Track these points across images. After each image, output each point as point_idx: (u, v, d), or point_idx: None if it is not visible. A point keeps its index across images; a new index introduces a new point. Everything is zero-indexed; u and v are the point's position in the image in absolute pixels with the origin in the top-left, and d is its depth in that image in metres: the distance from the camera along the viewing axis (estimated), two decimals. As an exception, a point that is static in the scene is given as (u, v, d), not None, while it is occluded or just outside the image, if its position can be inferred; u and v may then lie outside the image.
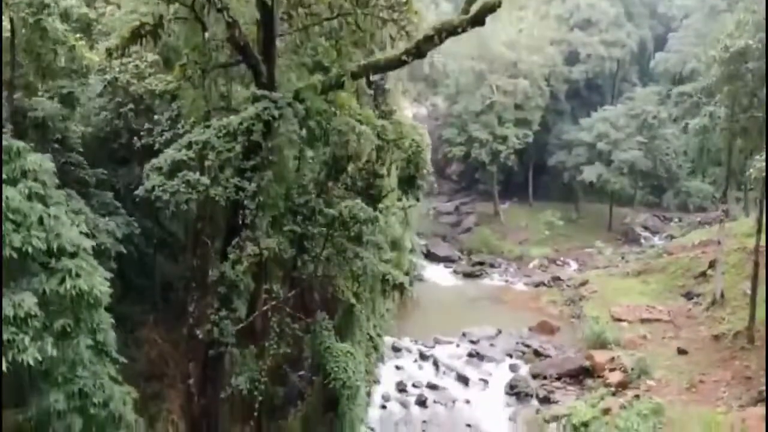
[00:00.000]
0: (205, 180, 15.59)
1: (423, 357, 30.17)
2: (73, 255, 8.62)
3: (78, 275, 8.42)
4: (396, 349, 30.67)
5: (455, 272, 46.39)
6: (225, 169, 16.30)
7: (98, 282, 8.75)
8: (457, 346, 31.44)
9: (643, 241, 53.82)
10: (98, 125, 20.39)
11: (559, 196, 60.17)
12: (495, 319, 35.14)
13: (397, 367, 29.07)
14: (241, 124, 15.58)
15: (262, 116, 15.33)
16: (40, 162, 9.87)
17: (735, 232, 39.27)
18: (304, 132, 17.66)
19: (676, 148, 56.92)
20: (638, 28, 57.29)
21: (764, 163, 20.49)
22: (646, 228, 56.21)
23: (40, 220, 8.82)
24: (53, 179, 10.77)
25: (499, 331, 33.20)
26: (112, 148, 20.67)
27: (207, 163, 16.03)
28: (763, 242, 26.26)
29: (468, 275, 45.62)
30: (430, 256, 48.19)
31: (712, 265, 35.07)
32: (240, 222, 16.14)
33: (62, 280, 8.42)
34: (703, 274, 35.35)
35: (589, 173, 51.44)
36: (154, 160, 15.47)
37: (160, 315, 21.77)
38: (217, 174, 16.04)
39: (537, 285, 42.87)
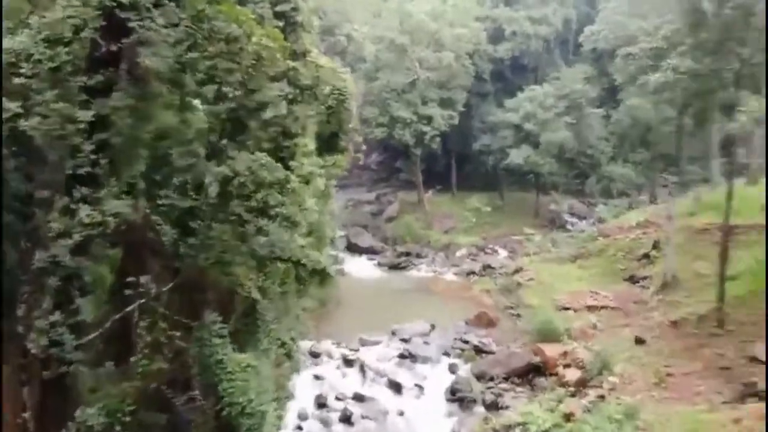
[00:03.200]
0: (13, 105, 9.90)
1: (347, 362, 25.27)
2: None
3: None
4: (314, 355, 25.61)
5: (379, 264, 41.89)
6: (50, 90, 10.65)
7: None
8: (387, 346, 26.84)
9: (570, 226, 51.90)
10: None
11: (482, 185, 57.59)
12: (427, 313, 30.93)
13: (317, 377, 24.02)
14: (71, 17, 10.02)
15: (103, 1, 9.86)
16: None
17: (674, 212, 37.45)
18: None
19: (598, 133, 55.67)
20: (562, 5, 55.28)
21: (746, 117, 17.32)
22: (572, 214, 54.45)
23: None
24: None
25: (433, 327, 28.93)
26: None
27: (17, 80, 10.35)
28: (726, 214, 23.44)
29: (393, 267, 41.25)
30: (352, 248, 43.52)
31: (656, 246, 32.70)
32: (71, 174, 10.58)
33: None
34: (647, 255, 32.83)
35: (517, 156, 48.57)
36: None
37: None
38: (36, 98, 10.39)
39: (468, 274, 39.21)
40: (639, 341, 24.46)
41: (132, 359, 14.21)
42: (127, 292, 13.83)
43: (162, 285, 15.80)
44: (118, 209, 10.98)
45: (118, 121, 11.40)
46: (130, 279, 13.75)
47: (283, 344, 22.22)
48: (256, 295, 16.09)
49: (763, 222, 28.05)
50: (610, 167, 58.90)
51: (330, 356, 25.77)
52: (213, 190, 15.32)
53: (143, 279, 13.74)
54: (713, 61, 22.45)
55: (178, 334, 15.12)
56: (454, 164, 56.74)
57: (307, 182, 18.58)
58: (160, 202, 16.11)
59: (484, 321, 29.55)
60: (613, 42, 44.68)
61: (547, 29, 53.42)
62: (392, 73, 46.31)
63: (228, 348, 14.41)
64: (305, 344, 26.05)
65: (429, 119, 46.67)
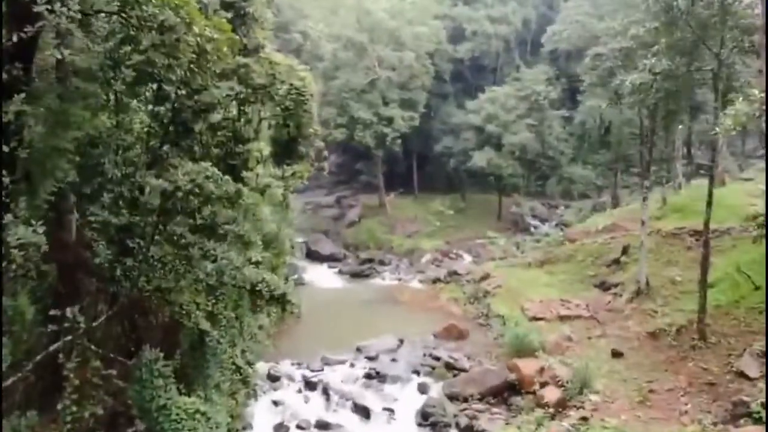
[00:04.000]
0: None
1: (309, 385, 23.28)
2: None
3: None
4: (273, 378, 23.50)
5: (341, 272, 39.98)
6: None
7: None
8: (352, 365, 24.93)
9: (533, 229, 51.30)
10: None
11: (443, 187, 56.78)
12: (393, 326, 29.26)
13: (276, 403, 21.94)
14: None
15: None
16: None
17: (640, 216, 36.88)
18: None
19: (558, 134, 55.29)
20: (522, 5, 54.65)
21: (735, 114, 16.25)
22: (534, 216, 53.79)
23: None
24: None
25: (401, 342, 27.20)
26: None
27: None
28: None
29: (356, 275, 39.42)
30: (312, 255, 41.48)
31: (625, 251, 31.91)
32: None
33: None
34: (617, 261, 31.99)
35: (480, 158, 47.55)
36: None
37: None
38: None
39: (434, 281, 37.72)
40: (616, 354, 23.41)
41: (59, 406, 12.01)
42: (51, 327, 11.65)
43: (98, 314, 13.66)
44: (26, 238, 8.78)
45: (27, 128, 9.23)
46: (53, 312, 11.56)
47: (238, 369, 20.15)
48: (204, 325, 14.02)
49: (736, 226, 27.61)
50: (570, 168, 58.81)
51: (290, 379, 23.73)
52: (153, 204, 13.25)
53: (73, 310, 11.53)
54: (688, 62, 21.57)
55: (114, 372, 12.99)
56: (416, 166, 55.47)
57: (262, 192, 16.63)
58: (91, 218, 14.01)
59: (454, 333, 28.04)
60: (576, 42, 44.08)
61: (507, 29, 52.68)
62: (351, 72, 44.53)
63: (172, 390, 12.34)
64: (263, 366, 23.99)
65: (390, 120, 45.15)
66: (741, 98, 16.71)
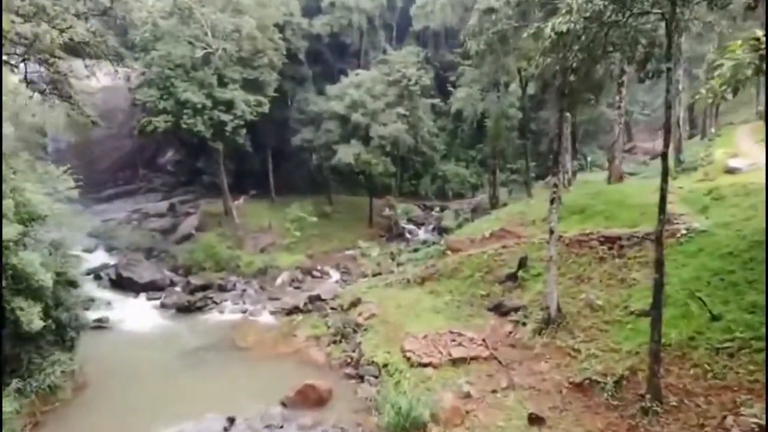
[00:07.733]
0: None
1: None
2: None
3: None
4: None
5: (164, 306, 30.11)
6: None
7: None
8: (150, 475, 15.95)
9: (408, 235, 44.79)
10: None
11: (306, 187, 48.64)
12: (225, 391, 20.63)
13: None
14: None
15: None
16: None
17: (531, 217, 31.35)
18: None
19: (430, 127, 49.47)
20: (386, -24, 48.00)
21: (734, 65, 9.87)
22: (409, 220, 47.35)
23: None
24: None
25: (231, 422, 18.45)
26: None
27: None
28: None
29: (185, 309, 29.80)
30: (123, 285, 31.08)
31: (523, 263, 25.83)
32: None
33: None
34: (513, 277, 25.78)
35: (345, 153, 39.90)
36: None
37: None
38: None
39: (290, 312, 29.32)
40: (535, 420, 16.62)
41: None
42: None
43: None
44: None
45: None
46: None
47: None
48: None
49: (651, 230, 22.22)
50: (444, 166, 53.89)
51: None
52: None
53: None
54: (622, 5, 15.21)
55: None
56: (272, 163, 46.58)
57: None
58: None
59: (311, 399, 19.83)
60: (450, 17, 37.94)
61: (370, 3, 45.40)
62: (175, 42, 34.51)
63: None
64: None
65: (229, 105, 35.79)
66: (740, 43, 10.45)
